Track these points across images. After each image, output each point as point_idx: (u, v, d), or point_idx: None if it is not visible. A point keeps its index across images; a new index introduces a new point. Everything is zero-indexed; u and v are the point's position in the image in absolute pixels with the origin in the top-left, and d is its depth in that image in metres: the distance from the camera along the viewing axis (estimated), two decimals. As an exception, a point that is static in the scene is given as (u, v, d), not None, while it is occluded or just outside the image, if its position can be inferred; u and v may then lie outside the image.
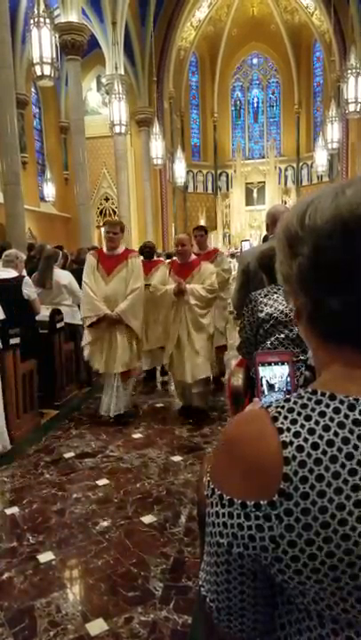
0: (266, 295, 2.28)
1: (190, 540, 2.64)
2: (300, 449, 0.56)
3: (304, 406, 0.59)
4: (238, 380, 2.13)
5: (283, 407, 0.60)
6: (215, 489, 0.62)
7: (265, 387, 0.95)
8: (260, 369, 0.95)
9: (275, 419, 0.59)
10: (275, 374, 0.95)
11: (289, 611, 0.62)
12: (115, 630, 2.02)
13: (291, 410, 0.59)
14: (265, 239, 3.53)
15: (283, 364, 0.95)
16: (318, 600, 0.57)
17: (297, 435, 0.57)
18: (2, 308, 3.76)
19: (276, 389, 0.94)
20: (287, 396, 0.62)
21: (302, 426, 0.57)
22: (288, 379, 0.95)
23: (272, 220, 2.77)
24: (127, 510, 2.96)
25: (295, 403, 0.60)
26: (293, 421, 0.58)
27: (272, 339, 2.18)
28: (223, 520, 0.60)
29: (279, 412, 0.59)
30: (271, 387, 0.95)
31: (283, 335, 2.17)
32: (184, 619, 2.08)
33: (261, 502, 0.57)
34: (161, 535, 2.69)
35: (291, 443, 0.57)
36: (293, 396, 0.61)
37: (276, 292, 2.23)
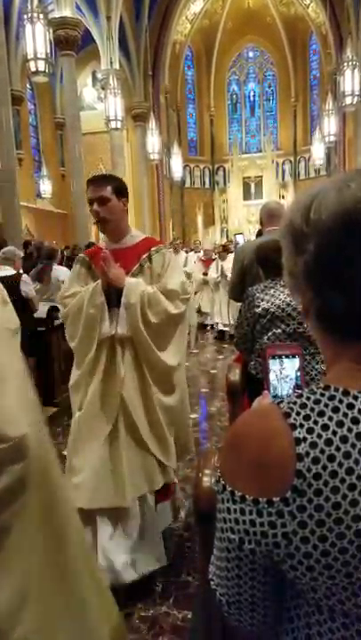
0: (263, 290, 2.27)
1: (190, 535, 2.64)
2: (313, 445, 0.56)
3: (317, 402, 0.58)
4: (235, 375, 2.13)
5: (295, 403, 0.59)
6: (226, 485, 0.62)
7: (275, 380, 0.94)
8: (270, 362, 0.94)
9: (287, 415, 0.58)
10: (285, 367, 0.94)
11: (298, 604, 0.62)
12: (115, 626, 2.03)
13: (303, 405, 0.58)
14: (259, 234, 3.53)
15: (293, 356, 0.94)
16: (330, 595, 0.57)
17: (310, 431, 0.56)
18: None
19: (286, 383, 0.94)
20: (299, 392, 0.62)
21: (315, 422, 0.57)
22: (298, 373, 0.94)
23: (266, 216, 2.77)
24: (127, 506, 2.97)
25: (308, 398, 0.59)
26: (306, 417, 0.57)
27: (269, 334, 2.18)
28: (235, 516, 0.60)
29: (291, 408, 0.58)
30: (280, 380, 0.94)
31: (280, 330, 2.17)
32: (184, 614, 2.08)
33: (274, 499, 0.57)
34: (160, 531, 2.69)
35: (304, 439, 0.56)
36: (305, 392, 0.60)
37: (273, 287, 2.23)
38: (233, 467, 0.61)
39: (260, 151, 23.24)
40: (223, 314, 8.05)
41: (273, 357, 0.94)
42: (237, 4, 22.10)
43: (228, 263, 7.25)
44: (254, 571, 0.61)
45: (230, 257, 7.88)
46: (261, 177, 22.12)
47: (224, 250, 8.35)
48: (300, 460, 0.55)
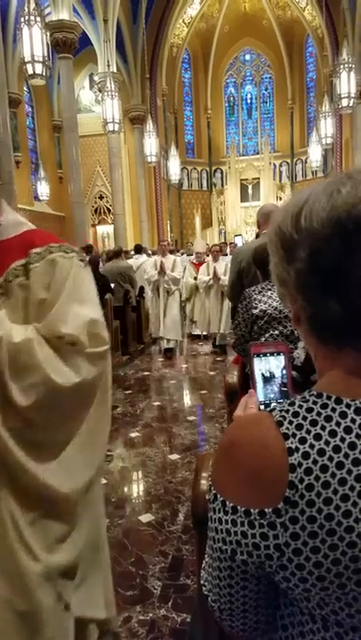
0: (260, 292, 2.27)
1: (188, 538, 2.64)
2: (305, 456, 0.55)
3: (309, 410, 0.57)
4: (233, 377, 2.13)
5: (287, 411, 0.58)
6: (217, 495, 0.61)
7: (260, 379, 0.94)
8: (256, 360, 0.94)
9: (279, 423, 0.57)
10: (270, 366, 0.94)
11: (292, 613, 0.61)
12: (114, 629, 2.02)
13: (296, 414, 0.57)
14: (258, 236, 3.53)
15: (278, 354, 0.94)
16: (323, 605, 0.56)
17: (303, 441, 0.55)
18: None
19: (272, 382, 0.93)
20: (291, 400, 0.60)
21: (308, 431, 0.56)
22: (284, 371, 0.94)
23: (264, 218, 2.77)
24: (125, 509, 2.96)
25: (300, 407, 0.58)
26: (299, 427, 0.56)
27: (266, 335, 2.18)
28: (226, 527, 0.59)
29: (284, 417, 0.57)
30: (267, 379, 0.94)
31: (277, 332, 2.17)
32: (183, 617, 2.07)
33: (266, 510, 0.55)
34: (159, 534, 2.69)
35: (297, 449, 0.55)
36: (298, 400, 0.59)
37: (270, 289, 2.23)
38: (224, 476, 0.60)
39: (258, 153, 23.31)
40: (213, 322, 7.31)
41: (258, 355, 0.93)
42: (234, 8, 22.18)
43: (221, 266, 7.07)
44: (246, 580, 0.60)
45: (224, 259, 7.56)
46: (259, 179, 22.18)
47: (218, 251, 7.50)
48: (293, 470, 0.54)
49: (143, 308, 7.91)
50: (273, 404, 0.90)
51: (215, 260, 7.32)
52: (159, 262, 6.94)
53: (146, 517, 2.85)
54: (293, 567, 0.55)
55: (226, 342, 7.37)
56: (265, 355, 0.93)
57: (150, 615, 2.09)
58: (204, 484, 1.13)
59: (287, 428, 0.56)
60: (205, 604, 1.19)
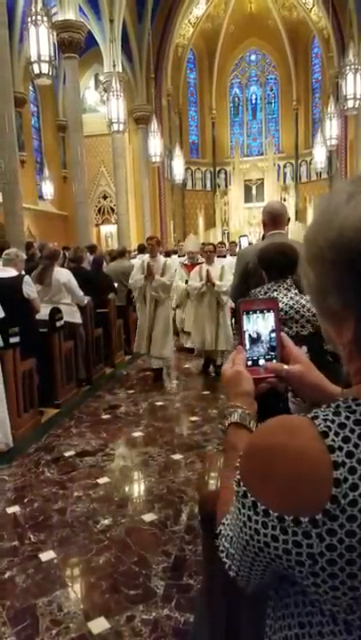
0: (265, 293, 2.27)
1: (191, 538, 2.64)
2: (352, 471, 0.53)
3: (357, 422, 0.55)
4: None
5: (333, 422, 0.56)
6: (248, 493, 0.60)
7: (247, 340, 0.93)
8: (245, 319, 0.93)
9: (324, 434, 0.55)
10: (258, 327, 0.93)
11: (311, 612, 0.60)
12: (117, 629, 2.03)
13: (342, 425, 0.55)
14: (263, 237, 3.52)
15: (268, 311, 0.93)
16: (350, 611, 0.56)
17: (350, 455, 0.54)
18: (2, 307, 3.75)
19: (259, 343, 0.93)
20: (336, 409, 0.58)
21: (356, 445, 0.54)
22: (273, 334, 0.93)
23: (269, 218, 2.76)
24: (128, 509, 2.97)
25: (347, 418, 0.56)
26: (346, 439, 0.54)
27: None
28: (255, 527, 0.58)
29: (329, 427, 0.56)
30: (254, 340, 0.93)
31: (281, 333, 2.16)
32: (186, 617, 2.08)
33: (302, 519, 0.54)
34: (162, 533, 2.70)
35: (343, 464, 0.53)
36: (343, 409, 0.58)
37: (276, 290, 2.23)
38: (259, 480, 0.59)
39: (262, 154, 23.27)
40: (208, 337, 5.86)
41: (247, 313, 0.93)
42: (240, 8, 22.16)
43: (215, 269, 5.82)
44: (269, 565, 0.61)
45: (220, 261, 6.63)
46: (263, 179, 22.17)
47: (211, 251, 6.07)
48: (337, 485, 0.53)
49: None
50: (261, 361, 0.91)
51: (209, 262, 5.98)
52: (146, 264, 5.60)
53: (149, 517, 2.86)
54: (326, 576, 0.54)
55: (222, 362, 5.83)
56: (254, 312, 0.92)
57: (153, 614, 2.10)
58: (212, 483, 1.13)
59: (333, 440, 0.55)
60: (213, 604, 1.20)
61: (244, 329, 0.93)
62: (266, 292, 2.28)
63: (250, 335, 0.94)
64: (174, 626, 2.03)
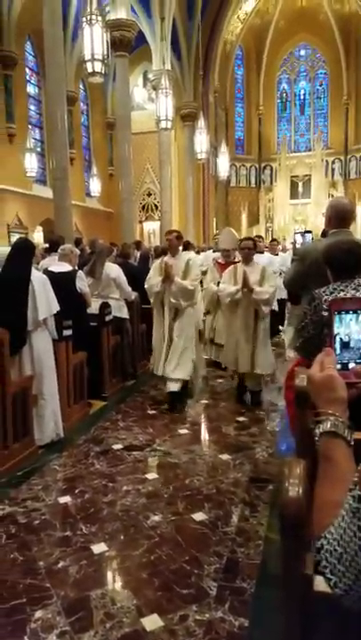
0: (332, 293, 2.19)
1: (243, 541, 2.60)
2: None
3: None
4: (303, 381, 2.05)
5: None
6: None
7: (338, 343, 0.88)
8: (336, 320, 0.88)
9: None
10: (351, 331, 0.88)
11: None
12: (170, 627, 2.01)
13: None
14: (324, 234, 3.41)
15: None
16: None
17: None
18: (57, 301, 3.83)
19: (350, 348, 0.88)
20: None
21: None
22: None
23: (336, 215, 2.66)
24: (177, 506, 2.95)
25: None
26: None
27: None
28: None
29: None
30: (345, 343, 0.88)
31: None
32: (240, 621, 2.04)
33: None
34: (213, 533, 2.66)
35: None
36: None
37: (343, 290, 2.14)
38: None
39: (309, 150, 22.82)
40: (242, 355, 4.62)
41: (339, 313, 0.87)
42: (290, 3, 21.76)
43: (255, 271, 4.63)
44: None
45: (263, 260, 5.92)
46: (310, 176, 21.72)
47: (250, 248, 4.74)
48: None
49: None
50: (351, 365, 0.85)
51: (246, 261, 4.74)
52: (163, 264, 4.64)
53: (199, 516, 2.83)
54: None
55: (261, 388, 4.84)
56: (347, 312, 0.87)
57: (207, 616, 2.07)
58: (293, 490, 1.09)
59: None
60: (289, 620, 1.14)
61: (336, 331, 0.89)
62: (332, 292, 2.20)
63: (341, 338, 0.89)
64: (229, 629, 2.00)
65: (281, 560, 1.15)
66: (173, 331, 4.66)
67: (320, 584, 1.17)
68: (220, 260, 6.09)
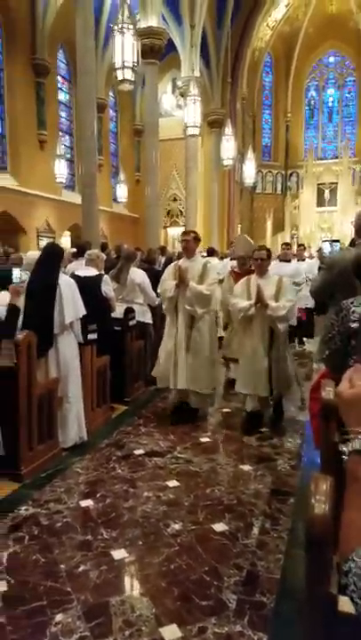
0: (360, 304, 2.15)
1: (263, 554, 2.56)
2: None
3: None
4: (330, 394, 2.02)
5: None
6: None
7: None
8: None
9: None
10: None
11: None
12: (189, 639, 2.00)
13: None
14: (352, 244, 3.36)
15: None
16: None
17: None
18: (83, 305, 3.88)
19: None
20: None
21: None
22: None
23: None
24: (198, 515, 2.94)
25: None
26: None
27: (366, 353, 2.04)
28: None
29: None
30: None
31: None
32: (259, 635, 2.01)
33: None
34: (233, 545, 2.64)
35: None
36: None
37: (372, 302, 2.10)
38: None
39: (337, 157, 22.60)
40: (258, 376, 4.15)
41: None
42: (320, 10, 21.63)
43: (269, 284, 4.18)
44: None
45: (278, 268, 5.55)
46: (336, 183, 21.49)
47: (265, 259, 4.28)
48: None
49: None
50: None
51: (260, 273, 4.30)
52: (177, 268, 4.36)
53: (219, 527, 2.81)
54: None
55: (282, 409, 4.54)
56: None
57: (226, 629, 2.05)
58: (319, 506, 1.08)
59: None
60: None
61: None
62: (360, 304, 2.16)
63: None
64: (248, 644, 1.97)
65: (305, 577, 1.14)
66: (190, 340, 4.32)
67: (345, 604, 1.15)
68: (235, 269, 5.58)
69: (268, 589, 2.30)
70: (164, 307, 4.60)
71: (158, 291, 4.71)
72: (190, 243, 4.42)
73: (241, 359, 4.44)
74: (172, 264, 4.64)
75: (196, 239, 4.48)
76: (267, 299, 4.06)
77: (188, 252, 4.47)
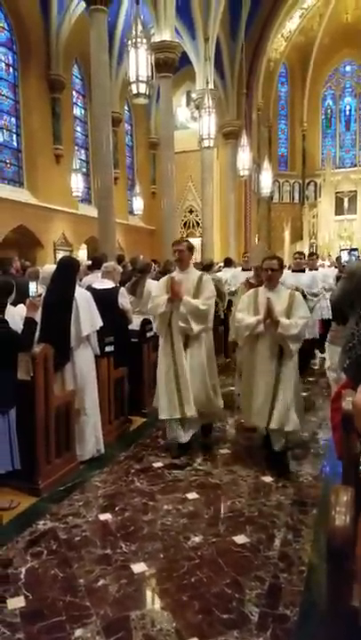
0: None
1: (285, 566, 2.51)
2: None
3: None
4: (350, 404, 1.98)
5: None
6: None
7: None
8: None
9: None
10: None
11: None
12: (210, 654, 1.96)
13: None
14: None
15: None
16: None
17: None
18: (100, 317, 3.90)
19: None
20: None
21: None
22: None
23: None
24: (218, 528, 2.90)
25: None
26: None
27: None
28: None
29: None
30: None
31: None
32: (283, 652, 1.96)
33: None
34: (255, 557, 2.59)
35: None
36: None
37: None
38: None
39: (355, 166, 22.48)
40: (263, 405, 3.66)
41: None
42: (335, 19, 21.66)
43: (281, 298, 3.72)
44: None
45: (293, 279, 5.20)
46: (355, 192, 21.31)
47: (275, 270, 3.77)
48: None
49: (228, 321, 7.67)
50: None
51: (270, 285, 3.81)
52: (169, 280, 3.96)
53: (240, 539, 2.76)
54: None
55: (290, 445, 3.79)
56: None
57: (248, 645, 2.00)
58: (340, 518, 1.05)
59: None
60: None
61: None
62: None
63: None
64: (271, 661, 1.92)
65: (327, 590, 1.10)
66: (189, 358, 3.86)
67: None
68: (251, 280, 4.89)
69: (291, 602, 2.24)
70: (155, 326, 4.15)
71: (148, 306, 4.22)
72: (184, 253, 3.98)
73: (244, 383, 3.95)
74: (164, 277, 4.19)
75: (190, 249, 4.05)
76: (278, 315, 3.58)
77: (182, 263, 4.02)
